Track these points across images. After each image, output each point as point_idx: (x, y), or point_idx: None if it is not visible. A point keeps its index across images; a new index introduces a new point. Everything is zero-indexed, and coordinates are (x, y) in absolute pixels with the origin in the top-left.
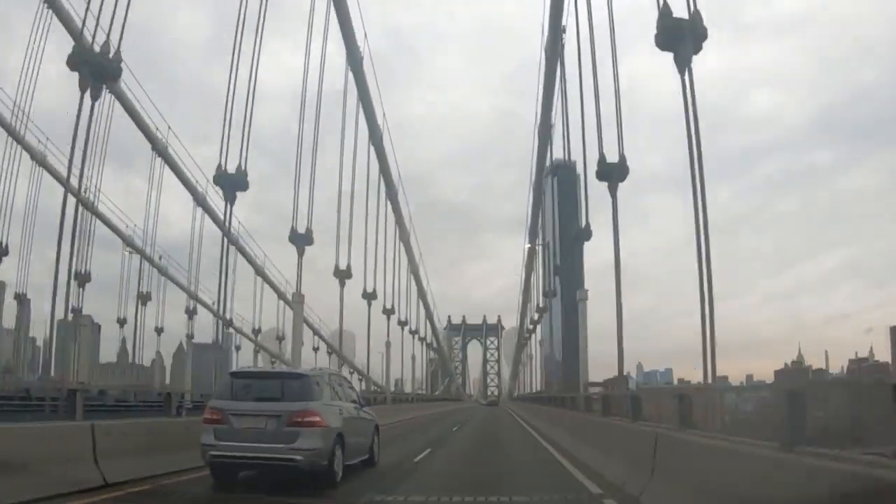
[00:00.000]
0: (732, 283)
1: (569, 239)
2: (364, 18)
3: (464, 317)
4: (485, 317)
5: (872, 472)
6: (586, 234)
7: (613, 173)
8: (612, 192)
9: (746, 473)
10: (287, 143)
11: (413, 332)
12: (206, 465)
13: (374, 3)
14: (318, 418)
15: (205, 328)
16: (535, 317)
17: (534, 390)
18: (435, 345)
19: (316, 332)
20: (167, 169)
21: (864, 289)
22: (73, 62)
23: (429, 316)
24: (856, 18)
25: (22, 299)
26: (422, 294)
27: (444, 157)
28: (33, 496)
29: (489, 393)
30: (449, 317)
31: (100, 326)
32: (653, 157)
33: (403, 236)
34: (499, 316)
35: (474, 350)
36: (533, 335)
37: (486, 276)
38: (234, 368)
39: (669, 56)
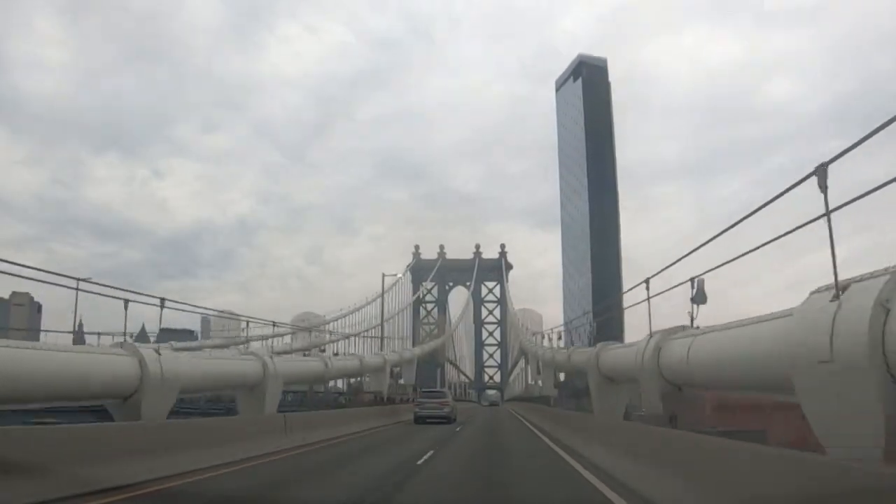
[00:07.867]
0: (737, 276)
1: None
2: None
3: (441, 247)
4: (478, 246)
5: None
6: None
7: None
8: None
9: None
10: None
11: None
12: (413, 419)
13: None
14: (449, 402)
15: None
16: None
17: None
18: None
19: None
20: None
21: None
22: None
23: None
24: (871, 6)
25: None
26: None
27: (456, 145)
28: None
29: (486, 380)
30: (416, 247)
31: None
32: (665, 147)
33: None
34: (502, 245)
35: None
36: None
37: None
38: None
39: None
